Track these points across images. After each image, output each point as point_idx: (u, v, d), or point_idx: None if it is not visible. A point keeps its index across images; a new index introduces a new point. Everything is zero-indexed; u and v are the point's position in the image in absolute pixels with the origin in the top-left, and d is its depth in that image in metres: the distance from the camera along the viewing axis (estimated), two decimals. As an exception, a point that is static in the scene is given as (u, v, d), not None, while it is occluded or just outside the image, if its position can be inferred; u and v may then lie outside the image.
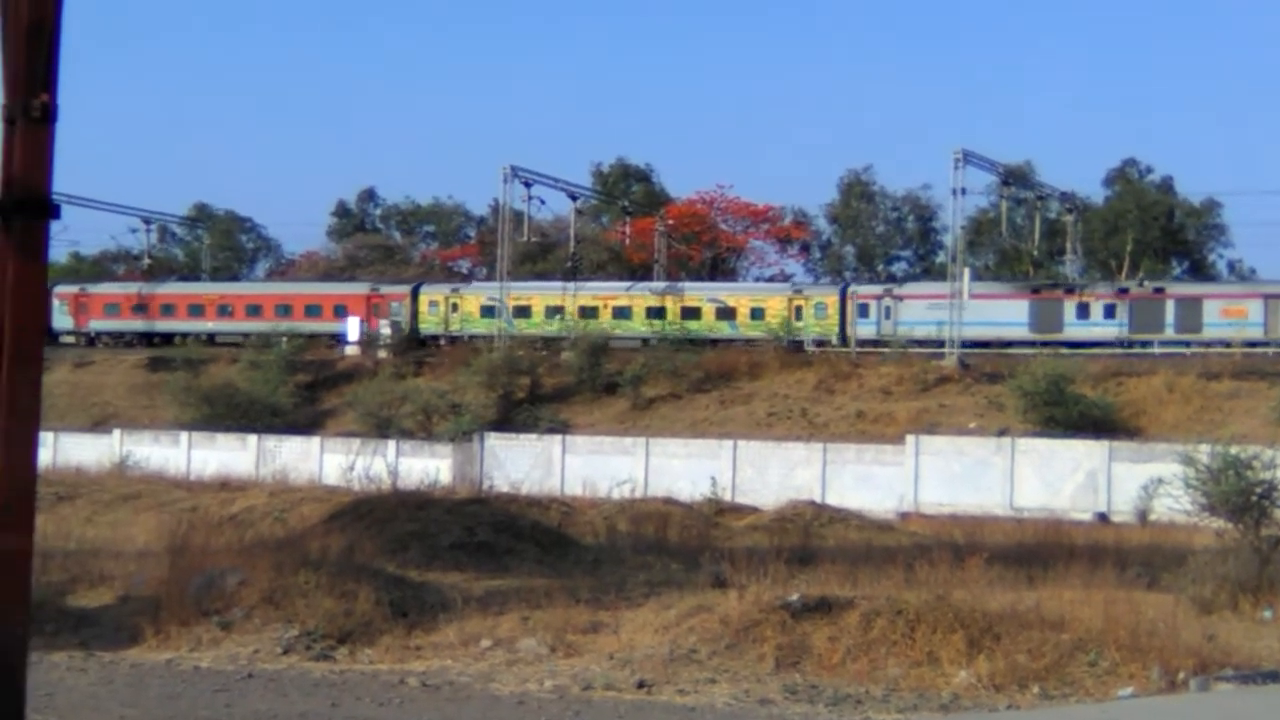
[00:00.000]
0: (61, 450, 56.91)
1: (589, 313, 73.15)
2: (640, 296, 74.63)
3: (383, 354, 73.16)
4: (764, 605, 19.84)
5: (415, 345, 74.96)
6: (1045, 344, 64.95)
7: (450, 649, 20.53)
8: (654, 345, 68.92)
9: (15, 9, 10.29)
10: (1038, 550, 29.40)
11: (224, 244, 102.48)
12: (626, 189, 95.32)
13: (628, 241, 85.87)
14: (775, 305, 72.39)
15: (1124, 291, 68.77)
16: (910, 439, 53.89)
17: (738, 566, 21.97)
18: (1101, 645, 18.33)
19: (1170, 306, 66.77)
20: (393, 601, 22.04)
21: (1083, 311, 66.62)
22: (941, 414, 60.71)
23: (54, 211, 10.28)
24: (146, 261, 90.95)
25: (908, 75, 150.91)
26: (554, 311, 74.43)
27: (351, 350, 74.66)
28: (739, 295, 74.82)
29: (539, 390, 67.72)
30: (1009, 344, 66.61)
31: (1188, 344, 65.20)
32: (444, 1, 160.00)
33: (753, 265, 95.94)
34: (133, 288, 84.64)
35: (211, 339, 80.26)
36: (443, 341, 75.90)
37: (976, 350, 65.88)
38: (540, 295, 76.01)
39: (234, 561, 23.32)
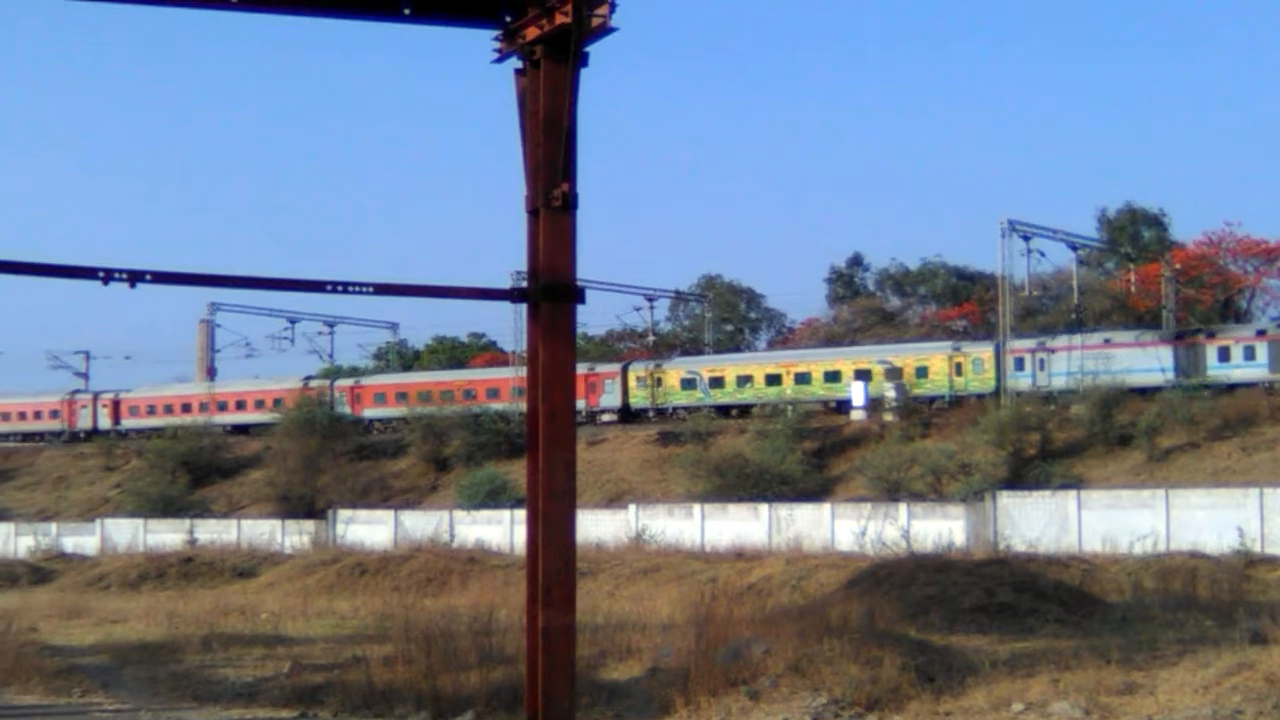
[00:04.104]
0: (581, 527, 58.59)
1: (773, 380, 78.93)
2: (820, 362, 79.16)
3: (888, 417, 73.01)
4: (1311, 661, 18.74)
5: (629, 417, 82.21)
6: (1189, 388, 66.30)
7: (981, 714, 20.08)
8: (1168, 393, 67.03)
9: (532, 104, 10.73)
10: None
11: (726, 316, 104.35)
12: (1134, 234, 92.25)
13: (1133, 289, 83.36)
14: (937, 363, 74.97)
15: (1262, 333, 68.74)
16: None
17: (1277, 621, 20.82)
18: None
19: None
20: (918, 667, 21.73)
21: (1223, 355, 67.28)
22: None
23: (579, 296, 10.66)
24: (650, 339, 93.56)
25: None
26: (744, 380, 79.89)
27: (857, 415, 74.77)
28: (905, 355, 76.35)
29: (1049, 446, 66.35)
30: (1148, 390, 67.67)
31: None
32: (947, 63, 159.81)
33: (1268, 305, 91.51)
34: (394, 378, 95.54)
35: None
36: (650, 414, 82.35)
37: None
38: (733, 366, 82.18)
39: (756, 631, 23.42)
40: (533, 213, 10.61)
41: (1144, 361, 69.05)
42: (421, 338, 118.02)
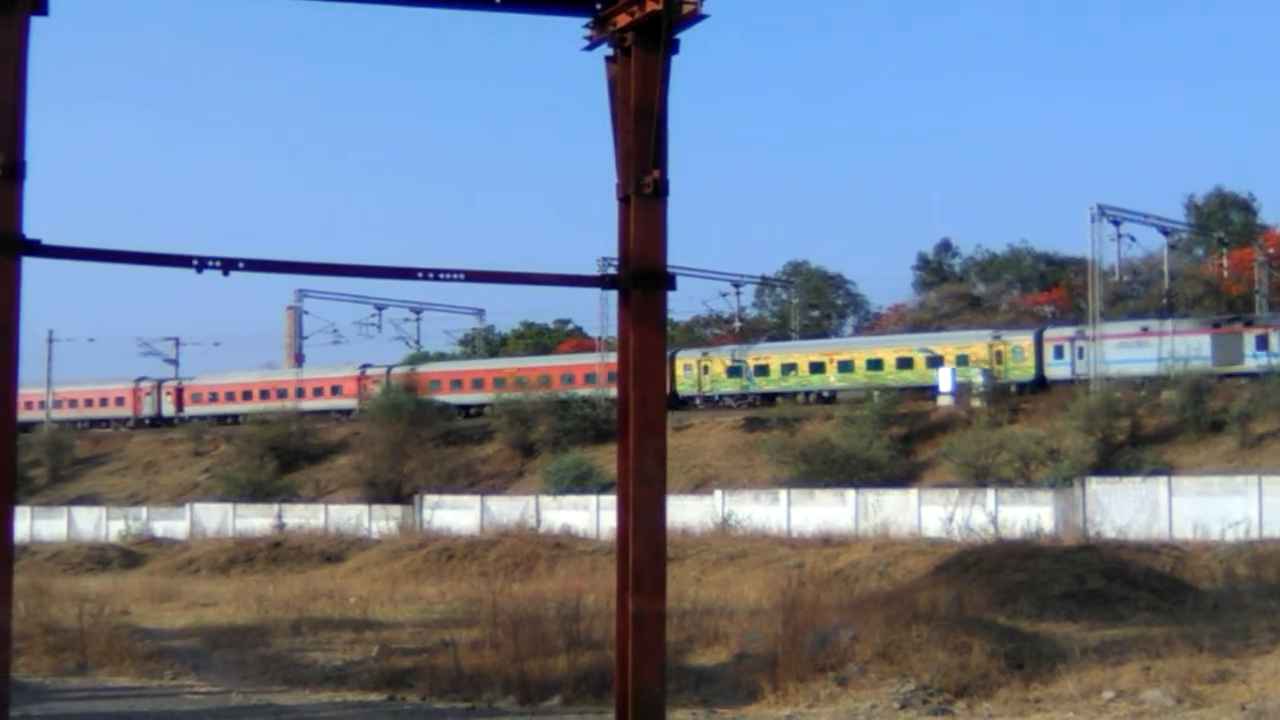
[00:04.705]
0: (668, 513, 58.50)
1: (816, 368, 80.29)
2: (862, 350, 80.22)
3: (976, 403, 72.58)
4: None
5: (676, 405, 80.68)
6: (1226, 376, 66.80)
7: (1071, 701, 19.96)
8: (1264, 379, 66.27)
9: (623, 91, 10.74)
10: None
11: (813, 302, 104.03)
12: (1224, 219, 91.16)
13: (1225, 274, 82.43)
14: (978, 351, 75.06)
15: None
16: None
17: (1374, 610, 20.58)
18: None
19: None
20: (1007, 653, 21.62)
21: (1261, 343, 67.83)
22: None
23: (670, 283, 10.67)
24: (736, 325, 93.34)
25: None
26: (788, 368, 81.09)
27: (944, 400, 74.39)
28: (945, 344, 76.70)
29: (1139, 432, 65.77)
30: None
31: None
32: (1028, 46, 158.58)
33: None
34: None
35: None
36: (698, 401, 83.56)
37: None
38: (778, 354, 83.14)
39: (844, 617, 23.38)
40: (624, 200, 10.61)
41: (1181, 350, 68.74)
42: (508, 323, 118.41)
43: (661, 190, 10.60)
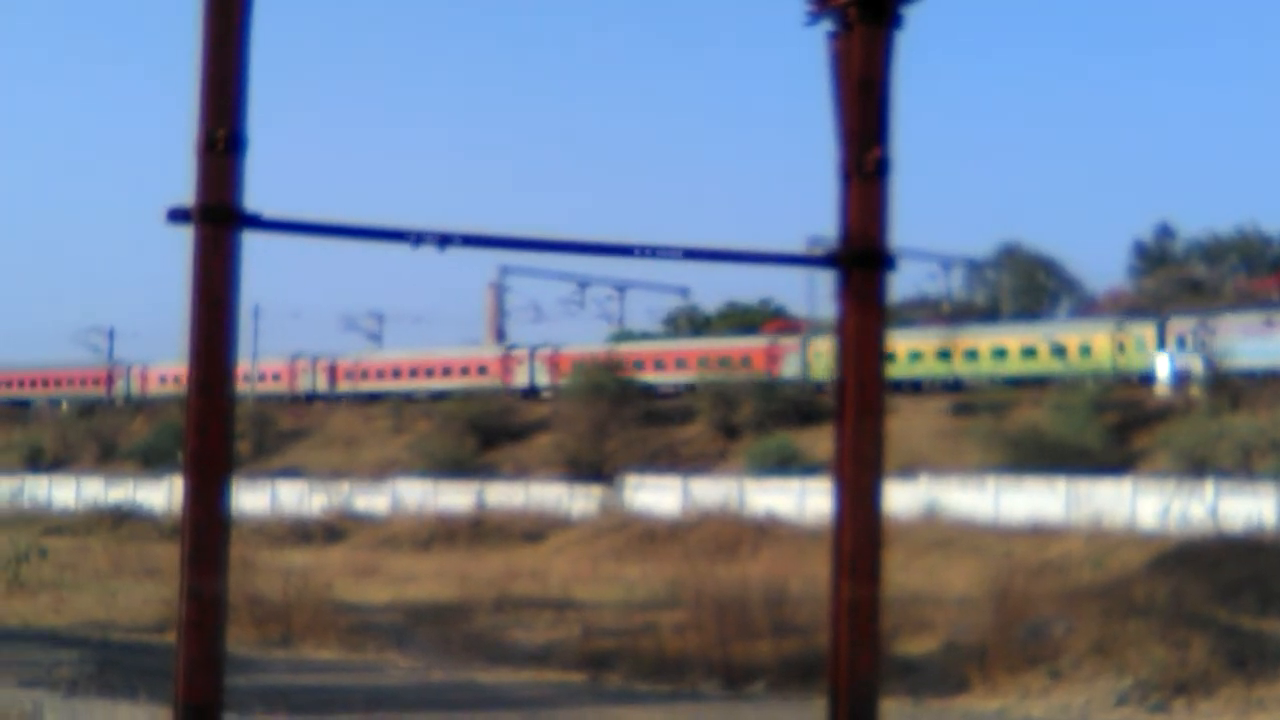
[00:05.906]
0: (874, 497, 58.00)
1: (944, 355, 78.50)
2: (988, 339, 78.61)
3: (1195, 391, 70.69)
4: None
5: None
6: None
7: (1296, 704, 19.29)
8: None
9: (847, 65, 10.47)
10: None
11: (1027, 285, 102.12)
12: None
13: None
14: (1101, 341, 73.39)
15: None
16: None
17: None
18: None
19: None
20: (1229, 651, 20.94)
21: None
22: None
23: (890, 263, 10.41)
24: (944, 307, 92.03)
25: None
26: (915, 356, 78.00)
27: (1161, 388, 72.61)
28: (1069, 333, 75.44)
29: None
30: None
31: None
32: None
33: None
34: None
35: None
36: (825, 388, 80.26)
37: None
38: (904, 341, 77.56)
39: (1056, 608, 22.88)
40: (844, 177, 10.32)
41: None
42: (712, 302, 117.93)
43: (883, 168, 10.29)
